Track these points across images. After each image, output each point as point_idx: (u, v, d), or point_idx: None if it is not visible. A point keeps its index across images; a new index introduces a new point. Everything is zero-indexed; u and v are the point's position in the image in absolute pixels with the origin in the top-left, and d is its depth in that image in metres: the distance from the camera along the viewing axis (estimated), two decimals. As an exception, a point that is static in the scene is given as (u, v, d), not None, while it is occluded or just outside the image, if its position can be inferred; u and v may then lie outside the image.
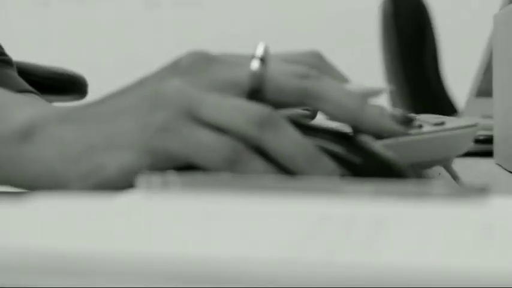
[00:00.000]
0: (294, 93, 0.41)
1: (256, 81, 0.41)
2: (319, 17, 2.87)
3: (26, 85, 0.84)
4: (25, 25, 2.96)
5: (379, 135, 0.43)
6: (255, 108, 0.39)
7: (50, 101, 1.04)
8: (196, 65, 0.42)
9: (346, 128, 0.42)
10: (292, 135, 0.39)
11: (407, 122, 0.42)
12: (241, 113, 0.39)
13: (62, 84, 1.08)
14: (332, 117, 0.42)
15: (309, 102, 0.41)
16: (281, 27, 2.87)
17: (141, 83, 0.42)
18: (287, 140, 0.39)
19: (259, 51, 0.42)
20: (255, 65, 0.41)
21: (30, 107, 0.43)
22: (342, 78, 0.45)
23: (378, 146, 0.42)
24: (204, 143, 0.39)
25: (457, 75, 1.99)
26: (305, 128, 0.40)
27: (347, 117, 0.41)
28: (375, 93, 0.44)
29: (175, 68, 0.42)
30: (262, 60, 0.41)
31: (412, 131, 0.49)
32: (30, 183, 0.41)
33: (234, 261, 0.21)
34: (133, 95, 0.41)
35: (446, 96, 2.02)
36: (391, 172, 0.41)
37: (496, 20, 0.70)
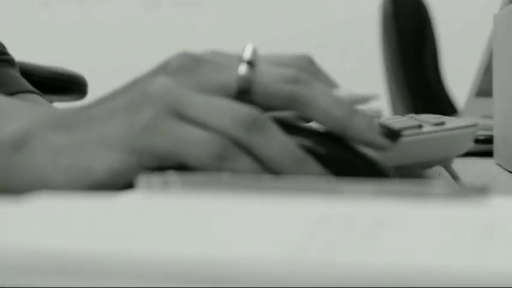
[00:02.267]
0: (282, 98, 0.41)
1: (244, 85, 0.41)
2: (319, 18, 2.87)
3: (28, 85, 0.84)
4: (25, 25, 2.96)
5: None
6: (243, 110, 0.39)
7: (51, 101, 1.04)
8: (184, 66, 0.41)
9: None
10: (279, 138, 0.39)
11: (394, 136, 0.42)
12: (229, 113, 0.39)
13: (62, 84, 1.08)
14: (320, 124, 0.41)
15: (297, 107, 0.41)
16: (281, 27, 2.87)
17: (131, 85, 0.42)
18: (274, 143, 0.39)
19: (247, 53, 0.41)
20: (242, 69, 0.41)
21: (23, 114, 0.42)
22: (331, 83, 0.45)
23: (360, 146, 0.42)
24: (191, 140, 0.39)
25: (457, 75, 2.00)
26: (291, 128, 0.40)
27: (334, 125, 0.41)
28: (364, 100, 0.44)
29: (164, 70, 0.42)
30: (250, 63, 0.41)
31: (412, 131, 0.49)
32: (26, 191, 0.41)
33: (234, 261, 0.21)
34: (122, 97, 0.41)
35: (446, 96, 2.02)
36: (375, 172, 0.41)
37: (496, 20, 0.70)
